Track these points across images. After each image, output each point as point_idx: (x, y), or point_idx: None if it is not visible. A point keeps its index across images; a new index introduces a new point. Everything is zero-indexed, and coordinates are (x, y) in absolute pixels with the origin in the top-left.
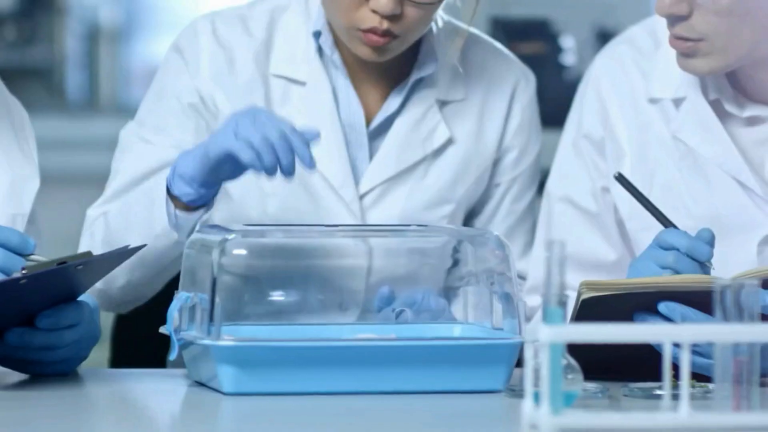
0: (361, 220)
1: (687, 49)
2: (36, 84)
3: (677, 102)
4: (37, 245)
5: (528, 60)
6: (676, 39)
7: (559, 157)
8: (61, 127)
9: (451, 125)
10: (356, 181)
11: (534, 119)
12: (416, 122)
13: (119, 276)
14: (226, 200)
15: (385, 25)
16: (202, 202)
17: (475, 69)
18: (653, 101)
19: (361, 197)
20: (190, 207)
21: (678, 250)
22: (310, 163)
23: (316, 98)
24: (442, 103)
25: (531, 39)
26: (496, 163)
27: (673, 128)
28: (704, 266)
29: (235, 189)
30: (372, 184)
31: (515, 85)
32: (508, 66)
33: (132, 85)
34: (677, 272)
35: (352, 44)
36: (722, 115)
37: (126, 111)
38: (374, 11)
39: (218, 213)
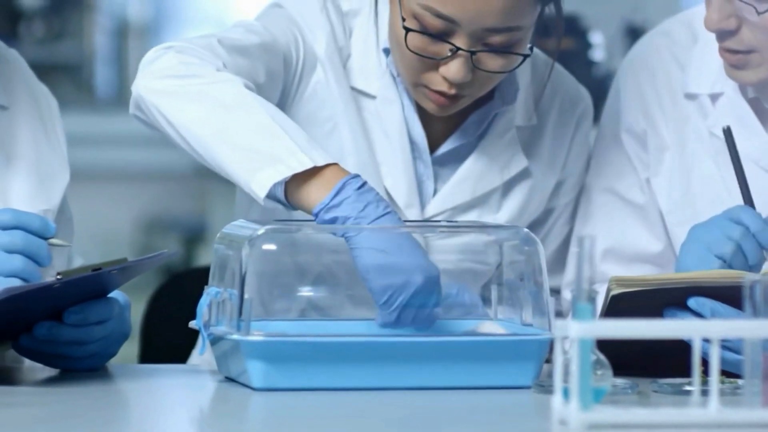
0: (422, 245)
1: (737, 61)
2: (65, 80)
3: (714, 97)
4: (69, 235)
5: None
6: (726, 51)
7: (599, 151)
8: (89, 122)
9: (526, 152)
10: (421, 204)
11: (588, 144)
12: (497, 151)
13: None
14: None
15: (454, 90)
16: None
17: (548, 93)
18: (690, 96)
19: (425, 220)
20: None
21: (748, 228)
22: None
23: (387, 114)
24: (518, 129)
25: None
26: (554, 188)
27: (709, 123)
28: (764, 253)
29: None
30: (441, 209)
31: (582, 111)
32: (578, 92)
33: None
34: (739, 248)
35: (418, 97)
36: (761, 113)
37: None
38: (444, 77)
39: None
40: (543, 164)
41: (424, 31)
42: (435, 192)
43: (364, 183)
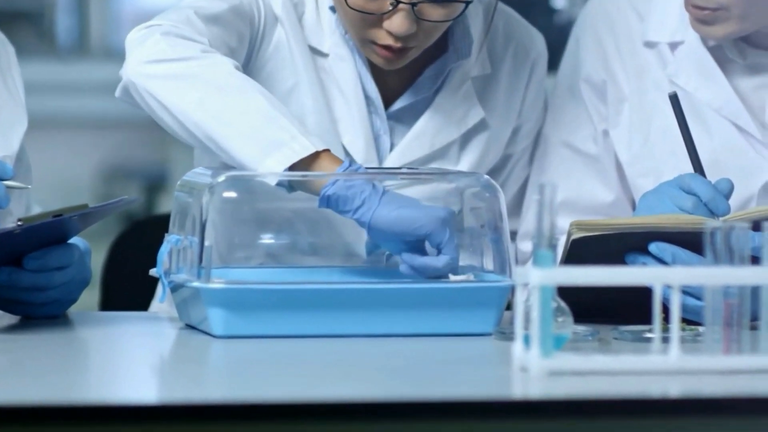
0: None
1: (705, 16)
2: (26, 28)
3: (673, 46)
4: (28, 182)
5: (518, 3)
6: (693, 7)
7: (556, 101)
8: (51, 71)
9: (482, 102)
10: (379, 159)
11: (544, 89)
12: (453, 104)
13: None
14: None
15: (400, 43)
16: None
17: (500, 41)
18: (649, 45)
19: (386, 168)
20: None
21: (699, 198)
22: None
23: (339, 71)
24: (473, 79)
25: None
26: (511, 134)
27: (669, 72)
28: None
29: None
30: (399, 163)
31: (535, 57)
32: (531, 38)
33: (122, 29)
34: None
35: (366, 52)
36: (722, 61)
37: (116, 55)
38: (389, 32)
39: None
40: (499, 113)
41: None
42: (392, 147)
43: (359, 167)
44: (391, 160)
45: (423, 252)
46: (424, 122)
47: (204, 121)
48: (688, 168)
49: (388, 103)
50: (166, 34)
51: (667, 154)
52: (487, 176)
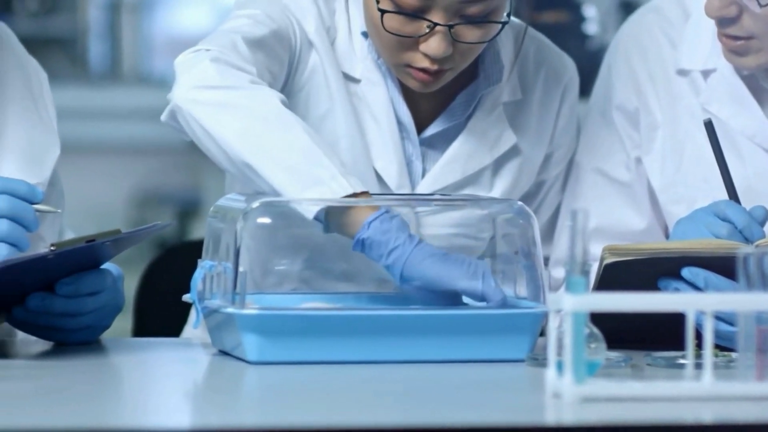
0: (415, 226)
1: (737, 47)
2: (58, 54)
3: (706, 74)
4: (60, 208)
5: (550, 29)
6: (725, 37)
7: (588, 128)
8: (82, 96)
9: (514, 128)
10: (411, 185)
11: (577, 115)
12: (485, 130)
13: None
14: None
15: (437, 66)
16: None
17: (531, 67)
18: (682, 72)
19: (419, 194)
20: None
21: (734, 225)
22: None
23: (372, 97)
24: (505, 105)
25: (554, 8)
26: (544, 160)
27: (702, 100)
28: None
29: None
30: (431, 189)
31: (567, 82)
32: (561, 63)
33: (154, 55)
34: None
35: (401, 76)
36: (755, 89)
37: (148, 81)
38: (425, 54)
39: None
40: (531, 138)
41: (400, 11)
42: (424, 173)
43: (395, 216)
44: (424, 186)
45: (457, 302)
46: (456, 148)
47: (246, 151)
48: (721, 195)
49: (420, 129)
50: (215, 60)
51: (700, 181)
52: (520, 203)
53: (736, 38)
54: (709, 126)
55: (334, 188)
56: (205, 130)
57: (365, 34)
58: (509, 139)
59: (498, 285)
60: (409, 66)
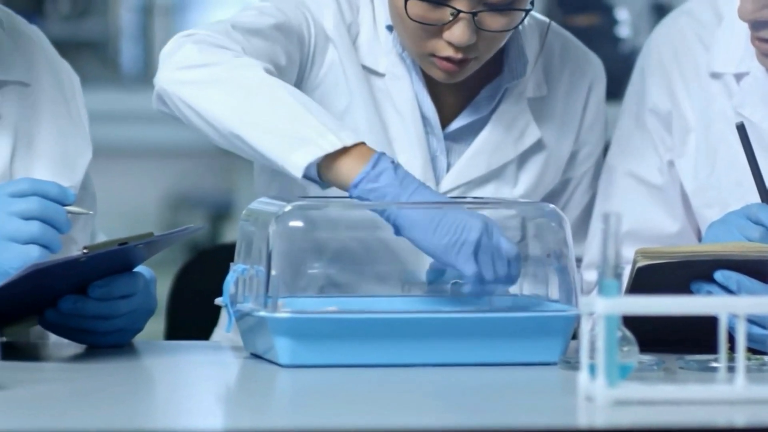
0: None
1: None
2: (90, 57)
3: (739, 77)
4: (91, 209)
5: (583, 32)
6: (759, 41)
7: (621, 130)
8: (115, 99)
9: (538, 123)
10: (436, 179)
11: (605, 113)
12: (509, 123)
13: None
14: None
15: (461, 54)
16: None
17: (555, 64)
18: (715, 76)
19: (452, 198)
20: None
21: (767, 228)
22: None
23: (396, 91)
24: (530, 100)
25: (586, 11)
26: (570, 158)
27: (735, 103)
28: None
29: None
30: (456, 183)
31: (592, 80)
32: (587, 59)
33: None
34: None
35: (425, 66)
36: None
37: None
38: (449, 42)
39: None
40: (556, 134)
41: None
42: (448, 167)
43: (397, 163)
44: (448, 180)
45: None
46: (480, 142)
47: (233, 122)
48: (754, 198)
49: (444, 123)
50: (197, 42)
51: (733, 184)
52: (552, 206)
53: None
54: (741, 129)
55: (323, 145)
56: (192, 109)
57: (390, 28)
58: (534, 133)
59: (494, 260)
60: (433, 55)
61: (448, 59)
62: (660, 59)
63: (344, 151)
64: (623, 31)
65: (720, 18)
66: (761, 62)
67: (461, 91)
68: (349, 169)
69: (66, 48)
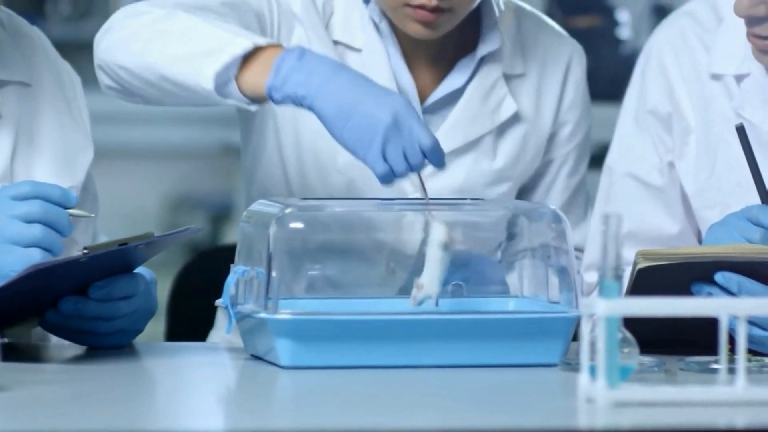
0: (419, 190)
1: (766, 46)
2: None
3: (739, 78)
4: (94, 212)
5: (583, 34)
6: (754, 37)
7: (622, 132)
8: (116, 101)
9: (516, 100)
10: None
11: (586, 94)
12: (485, 95)
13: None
14: (289, 172)
15: (434, 1)
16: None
17: (530, 43)
18: (715, 77)
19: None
20: (256, 96)
21: (767, 229)
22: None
23: (373, 65)
24: (507, 77)
25: (587, 12)
26: (550, 138)
27: (735, 104)
28: None
29: (297, 160)
30: None
31: (569, 59)
32: (561, 41)
33: None
34: None
35: (402, 22)
36: None
37: None
38: None
39: (278, 186)
40: (534, 110)
41: None
42: None
43: (305, 50)
44: None
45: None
46: (457, 113)
47: (156, 65)
48: (755, 200)
49: (422, 97)
50: (123, 11)
51: (734, 186)
52: (553, 207)
53: (765, 38)
54: (741, 131)
55: (233, 51)
56: (126, 69)
57: (366, 0)
58: (510, 106)
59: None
60: (408, 5)
61: (422, 7)
62: (660, 61)
63: (253, 58)
64: (624, 32)
65: (720, 19)
66: (757, 59)
67: (438, 64)
68: (257, 75)
69: (67, 49)
